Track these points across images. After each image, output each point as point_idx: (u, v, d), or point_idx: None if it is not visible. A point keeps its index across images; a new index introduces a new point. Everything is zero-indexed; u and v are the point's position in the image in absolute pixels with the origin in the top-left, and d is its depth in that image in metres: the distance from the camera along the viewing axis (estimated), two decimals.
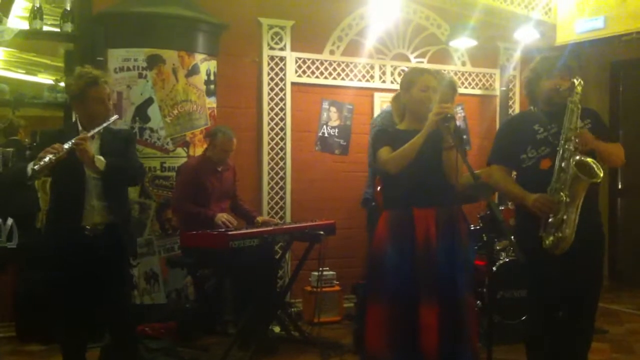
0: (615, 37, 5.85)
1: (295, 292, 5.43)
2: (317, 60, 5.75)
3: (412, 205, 3.05)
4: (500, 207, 4.77)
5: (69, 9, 4.88)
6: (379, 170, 3.38)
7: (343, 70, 5.83)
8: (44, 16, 4.87)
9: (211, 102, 5.11)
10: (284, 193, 5.62)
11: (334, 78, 5.80)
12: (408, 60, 6.06)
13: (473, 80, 6.36)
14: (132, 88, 4.81)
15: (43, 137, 3.44)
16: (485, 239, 4.51)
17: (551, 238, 2.97)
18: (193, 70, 4.96)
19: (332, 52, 5.81)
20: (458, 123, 3.26)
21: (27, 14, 4.96)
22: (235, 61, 5.45)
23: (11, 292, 4.73)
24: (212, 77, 5.11)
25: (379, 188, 3.56)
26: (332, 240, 4.60)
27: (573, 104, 2.98)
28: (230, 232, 4.09)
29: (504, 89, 6.43)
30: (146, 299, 4.80)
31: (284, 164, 5.61)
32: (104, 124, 3.31)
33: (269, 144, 5.57)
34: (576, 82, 2.99)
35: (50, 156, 3.04)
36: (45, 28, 4.92)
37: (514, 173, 3.28)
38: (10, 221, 3.93)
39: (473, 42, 5.92)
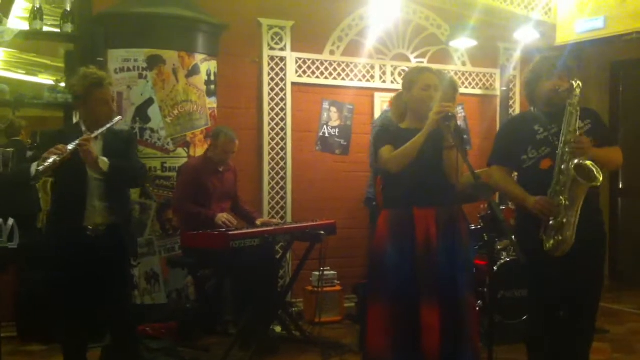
0: (616, 37, 5.85)
1: (296, 292, 5.43)
2: (318, 60, 5.75)
3: (413, 204, 3.05)
4: (501, 206, 4.78)
5: (69, 9, 4.88)
6: (380, 170, 3.38)
7: (343, 70, 5.84)
8: (44, 17, 4.86)
9: (211, 103, 5.11)
10: (285, 193, 5.62)
11: (334, 78, 5.81)
12: (408, 60, 6.06)
13: (473, 80, 6.36)
14: (133, 88, 4.81)
15: (44, 137, 3.44)
16: (486, 238, 4.51)
17: (552, 241, 2.97)
18: (193, 71, 4.96)
19: (332, 53, 5.81)
20: (459, 123, 3.25)
21: (27, 15, 4.96)
22: (235, 61, 5.45)
23: (12, 292, 4.73)
24: (212, 78, 5.11)
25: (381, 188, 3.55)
26: (332, 240, 4.60)
27: (572, 107, 2.97)
28: (230, 232, 4.09)
29: (504, 89, 6.44)
30: (147, 299, 4.80)
31: (285, 164, 5.62)
32: (108, 125, 3.31)
33: (269, 144, 5.57)
34: (575, 84, 2.99)
35: (55, 157, 3.04)
36: (46, 29, 4.92)
37: (515, 173, 3.29)
38: (11, 221, 3.92)
39: (473, 43, 5.93)
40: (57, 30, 4.98)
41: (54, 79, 5.55)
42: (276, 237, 4.39)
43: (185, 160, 4.87)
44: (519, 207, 3.26)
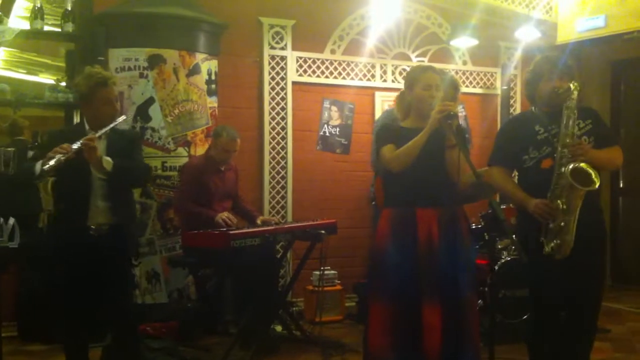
0: (616, 35, 5.85)
1: (297, 292, 5.43)
2: (318, 59, 5.75)
3: (415, 204, 3.04)
4: (501, 205, 4.77)
5: (69, 9, 4.88)
6: (380, 169, 3.38)
7: (344, 69, 5.83)
8: (45, 16, 4.86)
9: (212, 102, 5.11)
10: (285, 192, 5.62)
11: (335, 77, 5.80)
12: (409, 59, 6.06)
13: (474, 79, 6.35)
14: (133, 88, 4.81)
15: (48, 137, 3.44)
16: (486, 238, 4.51)
17: (552, 245, 2.96)
18: (194, 70, 4.96)
19: (333, 52, 5.81)
20: (460, 122, 3.25)
21: (28, 14, 4.96)
22: (236, 61, 5.45)
23: (13, 292, 4.73)
24: (213, 77, 5.11)
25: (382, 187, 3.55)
26: (333, 240, 4.60)
27: (569, 109, 2.97)
28: (231, 232, 4.08)
29: (505, 88, 6.43)
30: (148, 299, 4.81)
31: (285, 163, 5.62)
32: (112, 125, 3.30)
33: (270, 143, 5.57)
34: (572, 86, 2.98)
35: (60, 156, 3.03)
36: (46, 28, 4.92)
37: (515, 173, 3.28)
38: (12, 221, 3.93)
39: (474, 41, 5.92)
40: (58, 29, 4.98)
41: (55, 78, 5.53)
42: (277, 237, 4.38)
43: (186, 159, 4.87)
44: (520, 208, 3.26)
